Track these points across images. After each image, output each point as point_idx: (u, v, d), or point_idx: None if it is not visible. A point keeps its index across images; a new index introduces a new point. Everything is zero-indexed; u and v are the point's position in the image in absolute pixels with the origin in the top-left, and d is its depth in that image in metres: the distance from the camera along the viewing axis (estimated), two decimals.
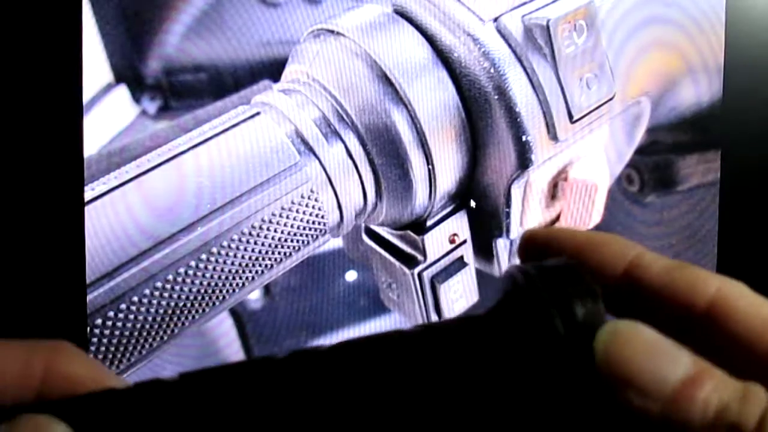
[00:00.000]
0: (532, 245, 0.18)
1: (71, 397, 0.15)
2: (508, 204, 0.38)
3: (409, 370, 0.15)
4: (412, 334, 0.16)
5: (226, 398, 0.15)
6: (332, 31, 0.36)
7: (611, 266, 0.17)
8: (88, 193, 0.31)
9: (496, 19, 0.35)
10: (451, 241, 0.40)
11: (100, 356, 0.30)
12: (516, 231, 0.39)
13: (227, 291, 0.33)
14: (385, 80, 0.35)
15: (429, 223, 0.38)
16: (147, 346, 0.31)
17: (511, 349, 0.15)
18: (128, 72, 0.49)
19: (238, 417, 0.15)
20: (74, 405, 0.15)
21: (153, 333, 0.31)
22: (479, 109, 0.36)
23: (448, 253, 0.40)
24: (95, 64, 0.47)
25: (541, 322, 0.15)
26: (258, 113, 0.34)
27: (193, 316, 0.32)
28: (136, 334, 0.31)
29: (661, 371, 0.14)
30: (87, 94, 0.47)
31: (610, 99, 0.38)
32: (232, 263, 0.32)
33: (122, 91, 0.50)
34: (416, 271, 0.39)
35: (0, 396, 0.15)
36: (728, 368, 0.15)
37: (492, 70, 0.35)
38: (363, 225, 0.42)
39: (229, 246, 0.32)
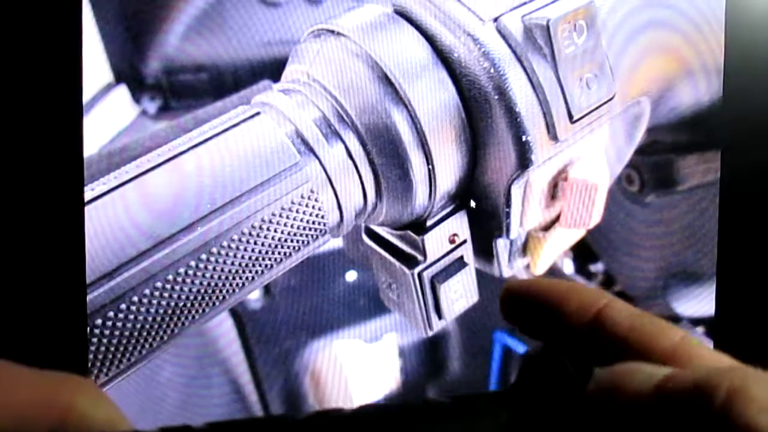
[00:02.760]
0: (513, 297, 0.20)
1: None
2: (508, 204, 0.38)
3: None
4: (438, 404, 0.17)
5: None
6: (332, 31, 0.36)
7: (583, 313, 0.18)
8: (88, 193, 0.31)
9: (496, 19, 0.35)
10: (451, 241, 0.40)
11: (100, 356, 0.30)
12: (516, 231, 0.39)
13: (227, 291, 0.33)
14: (386, 80, 0.35)
15: (429, 223, 0.38)
16: (147, 346, 0.31)
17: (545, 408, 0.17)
18: (128, 72, 0.49)
19: None
20: None
21: (153, 333, 0.31)
22: (479, 109, 0.36)
23: (448, 253, 0.40)
24: (95, 64, 0.47)
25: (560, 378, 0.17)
26: (258, 113, 0.34)
27: (193, 316, 0.32)
28: (136, 334, 0.31)
29: (640, 379, 0.16)
30: (87, 94, 0.47)
31: (610, 99, 0.38)
32: (232, 263, 0.32)
33: (122, 91, 0.50)
34: (416, 271, 0.39)
35: (17, 425, 0.15)
36: None
37: (492, 70, 0.35)
38: (363, 225, 0.42)
39: (229, 246, 0.32)
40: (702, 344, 0.17)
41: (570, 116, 0.36)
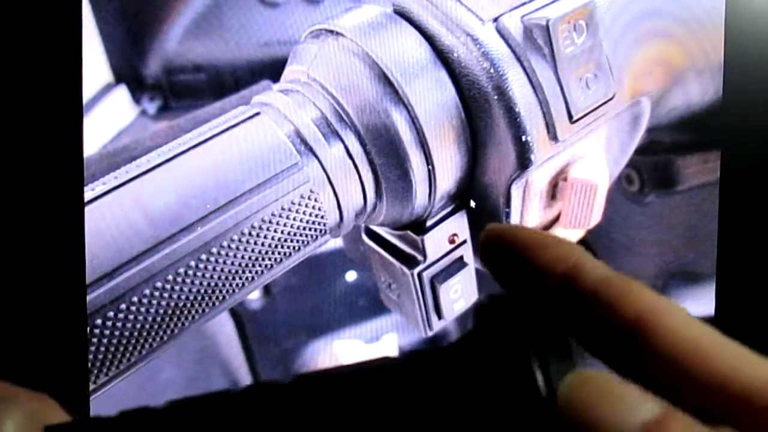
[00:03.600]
0: (491, 240, 0.19)
1: (58, 423, 0.15)
2: (507, 204, 0.38)
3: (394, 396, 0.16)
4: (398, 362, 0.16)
5: (211, 428, 0.15)
6: (332, 31, 0.36)
7: (555, 267, 0.17)
8: (88, 193, 0.31)
9: (495, 20, 0.35)
10: (451, 241, 0.40)
11: (100, 356, 0.30)
12: None
13: (227, 291, 0.33)
14: (385, 80, 0.35)
15: (429, 223, 0.38)
16: (147, 346, 0.31)
17: (486, 389, 0.15)
18: (128, 72, 0.49)
19: None
20: (61, 429, 0.15)
21: (153, 333, 0.31)
22: (479, 109, 0.36)
23: (448, 253, 0.40)
24: (95, 64, 0.47)
25: (521, 372, 0.15)
26: (258, 113, 0.34)
27: (193, 316, 0.32)
28: (136, 334, 0.31)
29: (621, 417, 0.14)
30: (87, 94, 0.47)
31: (610, 99, 0.38)
32: (232, 263, 0.32)
33: (122, 91, 0.50)
34: (416, 271, 0.39)
35: None
36: (651, 387, 0.15)
37: (492, 70, 0.35)
38: (363, 225, 0.42)
39: (229, 246, 0.32)
40: (669, 311, 0.16)
41: (570, 116, 0.36)
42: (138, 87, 0.50)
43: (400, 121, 0.35)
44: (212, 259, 0.32)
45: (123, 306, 0.30)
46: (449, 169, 0.37)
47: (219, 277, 0.32)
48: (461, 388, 0.16)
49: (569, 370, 0.15)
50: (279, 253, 0.34)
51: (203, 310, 0.32)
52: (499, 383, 0.15)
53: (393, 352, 0.57)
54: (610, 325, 0.16)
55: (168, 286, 0.31)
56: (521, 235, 0.18)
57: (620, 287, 0.16)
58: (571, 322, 0.16)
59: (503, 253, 0.18)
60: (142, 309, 0.30)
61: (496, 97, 0.35)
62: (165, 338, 0.32)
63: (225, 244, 0.32)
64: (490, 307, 0.17)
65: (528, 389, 0.15)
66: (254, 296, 0.54)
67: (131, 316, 0.30)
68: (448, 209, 0.39)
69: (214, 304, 0.33)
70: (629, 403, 0.14)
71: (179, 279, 0.31)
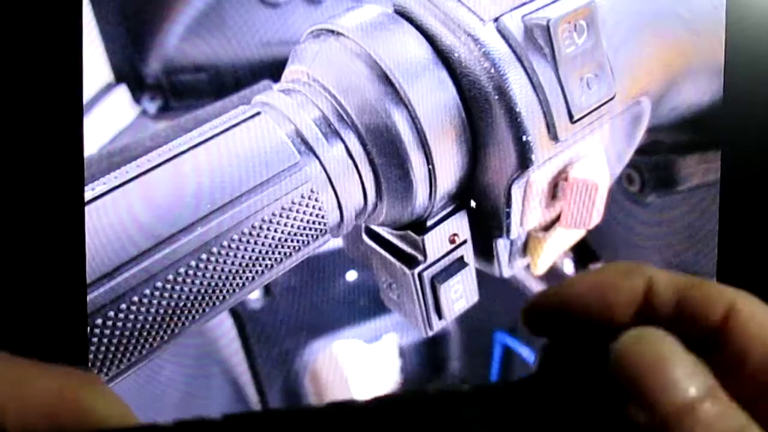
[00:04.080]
0: (542, 312, 0.18)
1: (109, 428, 0.15)
2: (508, 204, 0.38)
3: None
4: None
5: None
6: (332, 31, 0.36)
7: (627, 302, 0.17)
8: (88, 193, 0.31)
9: (496, 19, 0.35)
10: (451, 241, 0.40)
11: (100, 356, 0.30)
12: (516, 231, 0.39)
13: (227, 291, 0.33)
14: (386, 80, 0.35)
15: (429, 223, 0.38)
16: (147, 346, 0.31)
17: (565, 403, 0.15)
18: (128, 72, 0.49)
19: None
20: None
21: (153, 333, 0.31)
22: (479, 109, 0.36)
23: (448, 253, 0.40)
24: (95, 64, 0.47)
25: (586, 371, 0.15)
26: (258, 113, 0.34)
27: (193, 316, 0.32)
28: (136, 334, 0.31)
29: (674, 385, 0.14)
30: (87, 94, 0.47)
31: (611, 99, 0.38)
32: (232, 263, 0.32)
33: (122, 91, 0.50)
34: (416, 271, 0.39)
35: (25, 418, 0.15)
36: (734, 387, 0.15)
37: (492, 70, 0.35)
38: (363, 225, 0.42)
39: (229, 246, 0.32)
40: (752, 310, 0.16)
41: (570, 116, 0.36)
42: (138, 87, 0.50)
43: (400, 121, 0.35)
44: (212, 259, 0.32)
45: (123, 306, 0.30)
46: (450, 169, 0.37)
47: (219, 277, 0.32)
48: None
49: None
50: (279, 253, 0.34)
51: (203, 310, 0.32)
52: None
53: (394, 352, 0.57)
54: (696, 334, 0.16)
55: (168, 286, 0.31)
56: (575, 293, 0.17)
57: (701, 290, 0.16)
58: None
59: (560, 317, 0.17)
60: (142, 309, 0.30)
61: (496, 97, 0.35)
62: (165, 338, 0.32)
63: (225, 244, 0.32)
64: (554, 349, 0.16)
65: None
66: (254, 296, 0.54)
67: (131, 316, 0.30)
68: (449, 209, 0.39)
69: (214, 304, 0.33)
70: (685, 371, 0.14)
71: (179, 279, 0.31)
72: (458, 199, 0.39)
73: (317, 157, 0.34)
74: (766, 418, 0.14)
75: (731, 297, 0.16)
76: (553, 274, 0.56)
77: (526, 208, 0.39)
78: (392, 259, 0.40)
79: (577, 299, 0.17)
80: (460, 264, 0.40)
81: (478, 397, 0.16)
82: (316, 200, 0.34)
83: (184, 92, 0.50)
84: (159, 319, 0.31)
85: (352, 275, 0.53)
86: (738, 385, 0.15)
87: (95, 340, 0.30)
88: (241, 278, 0.33)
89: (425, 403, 0.15)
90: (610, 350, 0.15)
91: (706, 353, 0.15)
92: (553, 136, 0.36)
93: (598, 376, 0.15)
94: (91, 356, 0.30)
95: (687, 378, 0.14)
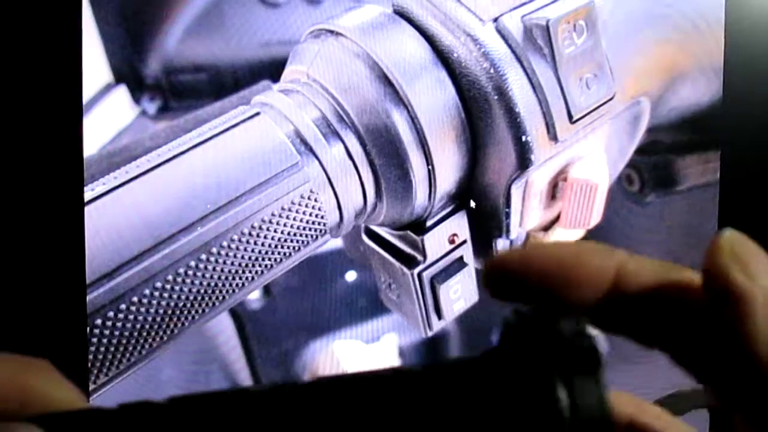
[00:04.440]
0: (503, 273, 0.17)
1: (55, 412, 0.15)
2: (507, 204, 0.38)
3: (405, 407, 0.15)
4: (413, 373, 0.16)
5: (214, 427, 0.15)
6: (332, 32, 0.36)
7: (595, 283, 0.16)
8: (88, 193, 0.31)
9: (495, 20, 0.35)
10: (451, 242, 0.40)
11: (100, 356, 0.30)
12: (516, 231, 0.39)
13: (227, 291, 0.33)
14: (385, 80, 0.35)
15: (429, 223, 0.38)
16: (147, 346, 0.31)
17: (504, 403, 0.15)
18: (128, 72, 0.49)
19: None
20: (58, 419, 0.15)
21: (153, 333, 0.31)
22: (479, 109, 0.36)
23: (447, 253, 0.40)
24: (95, 64, 0.47)
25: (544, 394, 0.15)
26: (258, 113, 0.34)
27: (193, 316, 0.32)
28: (136, 334, 0.31)
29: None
30: (87, 94, 0.47)
31: (610, 99, 0.38)
32: (232, 263, 0.32)
33: (122, 91, 0.50)
34: (416, 271, 0.39)
35: None
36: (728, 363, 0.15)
37: (492, 71, 0.35)
38: (363, 225, 0.42)
39: (229, 246, 0.32)
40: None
41: (570, 116, 0.36)
42: (138, 87, 0.50)
43: (400, 122, 0.35)
44: (212, 259, 0.32)
45: (123, 306, 0.30)
46: (449, 169, 0.37)
47: (219, 277, 0.32)
48: (480, 404, 0.15)
49: (595, 392, 0.15)
50: (279, 253, 0.34)
51: (203, 310, 0.32)
52: (521, 403, 0.15)
53: (393, 352, 0.57)
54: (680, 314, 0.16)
55: (168, 286, 0.31)
56: (544, 260, 0.17)
57: (679, 273, 0.16)
58: (629, 321, 0.16)
59: (524, 282, 0.17)
60: (142, 309, 0.30)
61: (496, 98, 0.35)
62: (165, 338, 0.32)
63: (225, 244, 0.32)
64: (516, 323, 0.16)
65: (551, 410, 0.15)
66: (254, 296, 0.54)
67: (131, 316, 0.30)
68: (448, 209, 0.39)
69: (214, 304, 0.33)
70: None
71: (179, 279, 0.31)
72: (458, 199, 0.39)
73: (317, 158, 0.34)
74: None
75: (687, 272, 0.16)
76: None
77: (526, 208, 0.39)
78: (392, 260, 0.40)
79: (541, 271, 0.16)
80: (459, 264, 0.40)
81: (431, 375, 0.15)
82: (315, 200, 0.34)
83: (183, 92, 0.50)
84: (159, 319, 0.31)
85: (351, 275, 0.53)
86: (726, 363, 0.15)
87: (95, 340, 0.30)
88: (241, 278, 0.33)
89: (377, 383, 0.15)
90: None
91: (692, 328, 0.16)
92: (553, 136, 0.36)
93: (544, 365, 0.15)
94: (91, 356, 0.30)
95: None
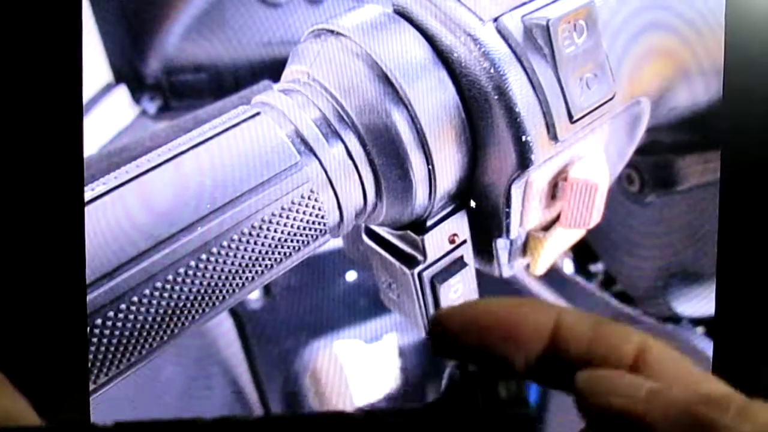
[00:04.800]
0: (444, 332, 0.18)
1: (8, 426, 0.15)
2: (508, 204, 0.38)
3: None
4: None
5: None
6: (333, 31, 0.36)
7: (533, 339, 0.17)
8: (88, 193, 0.31)
9: (496, 19, 0.35)
10: (451, 241, 0.40)
11: (100, 356, 0.30)
12: (516, 231, 0.39)
13: (227, 291, 0.33)
14: (386, 80, 0.35)
15: (429, 223, 0.38)
16: (147, 346, 0.31)
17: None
18: (128, 72, 0.49)
19: None
20: None
21: (153, 333, 0.31)
22: (479, 109, 0.36)
23: (448, 253, 0.40)
24: (95, 64, 0.47)
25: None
26: (258, 113, 0.34)
27: (193, 316, 0.32)
28: (136, 334, 0.31)
29: (632, 391, 0.16)
30: (87, 94, 0.47)
31: (611, 99, 0.38)
32: (232, 263, 0.32)
33: (122, 91, 0.50)
34: (416, 271, 0.39)
35: None
36: None
37: (492, 70, 0.35)
38: (363, 225, 0.42)
39: (229, 246, 0.32)
40: (661, 347, 0.17)
41: (570, 116, 0.36)
42: (138, 87, 0.50)
43: (400, 121, 0.35)
44: (212, 259, 0.32)
45: (123, 306, 0.30)
46: (449, 169, 0.37)
47: (219, 277, 0.32)
48: None
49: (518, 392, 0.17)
50: (279, 253, 0.34)
51: (203, 310, 0.32)
52: None
53: (393, 352, 0.57)
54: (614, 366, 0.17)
55: (168, 286, 0.31)
56: (484, 321, 0.17)
57: (612, 333, 0.17)
58: (567, 375, 0.17)
59: (467, 339, 0.17)
60: (142, 309, 0.30)
61: (496, 97, 0.35)
62: (165, 338, 0.32)
63: (225, 244, 0.32)
64: (460, 380, 0.17)
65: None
66: (254, 296, 0.54)
67: (131, 316, 0.30)
68: (449, 209, 0.39)
69: (214, 304, 0.33)
70: (634, 383, 0.16)
71: (179, 279, 0.31)
72: (458, 199, 0.39)
73: (317, 158, 0.34)
74: None
75: (641, 336, 0.17)
76: (553, 274, 0.56)
77: (526, 208, 0.39)
78: (392, 259, 0.40)
79: (481, 330, 0.17)
80: (459, 264, 0.40)
81: (374, 421, 0.16)
82: (315, 200, 0.34)
83: (184, 92, 0.50)
84: (159, 319, 0.31)
85: (352, 275, 0.53)
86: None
87: (95, 340, 0.30)
88: (241, 278, 0.33)
89: (318, 426, 0.16)
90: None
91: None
92: (553, 136, 0.36)
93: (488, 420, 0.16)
94: (90, 356, 0.30)
95: (640, 386, 0.16)
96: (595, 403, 0.16)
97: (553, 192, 0.40)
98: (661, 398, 0.16)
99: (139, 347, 0.31)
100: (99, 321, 0.29)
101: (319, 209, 0.34)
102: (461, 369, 0.17)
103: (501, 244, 0.41)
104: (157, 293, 0.30)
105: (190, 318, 0.32)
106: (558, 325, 0.17)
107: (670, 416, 0.15)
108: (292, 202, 0.33)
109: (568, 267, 0.58)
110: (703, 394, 0.16)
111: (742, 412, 0.15)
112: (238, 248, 0.32)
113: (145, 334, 0.31)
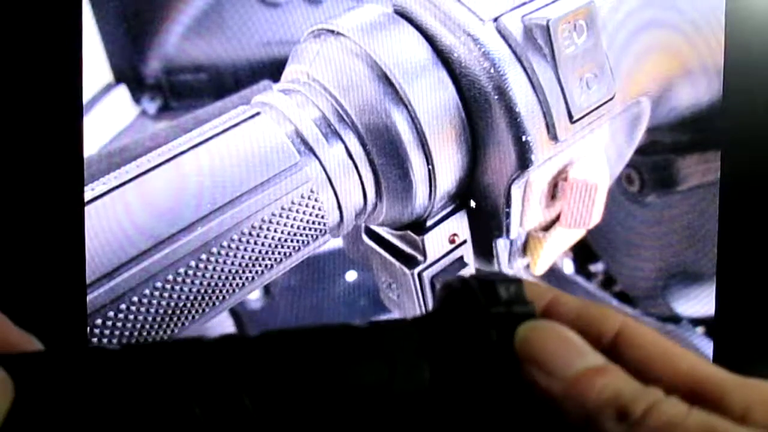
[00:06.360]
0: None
1: (10, 353, 0.15)
2: (508, 204, 0.38)
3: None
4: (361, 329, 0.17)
5: (157, 372, 0.16)
6: (332, 31, 0.36)
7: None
8: (88, 193, 0.31)
9: (496, 19, 0.35)
10: (451, 241, 0.40)
11: None
12: (516, 231, 0.39)
13: (227, 291, 0.33)
14: (385, 80, 0.35)
15: (429, 223, 0.38)
16: None
17: (455, 339, 0.17)
18: (128, 72, 0.49)
19: (162, 388, 0.15)
20: (13, 359, 0.15)
21: (153, 333, 0.31)
22: (479, 109, 0.36)
23: (448, 253, 0.40)
24: (95, 64, 0.47)
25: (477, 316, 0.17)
26: (258, 113, 0.34)
27: (193, 316, 0.32)
28: (136, 334, 0.31)
29: (568, 358, 0.16)
30: (87, 94, 0.47)
31: (610, 99, 0.38)
32: (232, 263, 0.32)
33: (122, 91, 0.50)
34: (416, 271, 0.39)
35: None
36: None
37: (492, 70, 0.35)
38: (363, 225, 0.42)
39: (229, 246, 0.32)
40: (639, 326, 0.18)
41: (570, 116, 0.36)
42: (138, 87, 0.50)
43: (400, 121, 0.35)
44: (212, 259, 0.32)
45: (123, 306, 0.30)
46: (449, 169, 0.37)
47: (219, 277, 0.32)
48: (438, 349, 0.17)
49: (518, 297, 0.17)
50: (279, 253, 0.34)
51: (203, 310, 0.32)
52: (466, 347, 0.17)
53: None
54: (594, 342, 0.17)
55: (168, 286, 0.31)
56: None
57: (598, 311, 0.18)
58: None
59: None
60: (142, 309, 0.30)
61: (496, 97, 0.35)
62: (165, 338, 0.32)
63: (225, 244, 0.32)
64: (460, 287, 0.18)
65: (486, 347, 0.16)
66: (254, 296, 0.54)
67: (131, 316, 0.30)
68: (449, 209, 0.39)
69: (214, 304, 0.33)
70: (578, 350, 0.17)
71: (179, 279, 0.31)
72: (458, 199, 0.39)
73: (317, 158, 0.34)
74: None
75: (623, 316, 0.18)
76: (553, 274, 0.56)
77: (526, 208, 0.39)
78: (392, 259, 0.40)
79: None
80: (460, 264, 0.40)
81: (374, 331, 0.17)
82: (315, 200, 0.34)
83: (184, 92, 0.50)
84: (159, 319, 0.31)
85: (352, 275, 0.53)
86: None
87: (95, 340, 0.30)
88: (241, 278, 0.33)
89: (318, 336, 0.17)
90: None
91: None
92: (553, 136, 0.36)
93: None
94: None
95: (580, 354, 0.17)
96: (523, 369, 0.16)
97: (553, 192, 0.40)
98: (584, 385, 0.16)
99: None
100: (99, 321, 0.29)
101: (319, 209, 0.34)
102: (459, 278, 0.18)
103: (501, 244, 0.41)
104: (157, 293, 0.30)
105: (189, 318, 0.32)
106: (552, 302, 0.18)
107: (584, 412, 0.15)
108: (292, 202, 0.33)
109: (568, 267, 0.58)
110: (622, 402, 0.16)
111: (649, 410, 0.15)
112: (238, 248, 0.32)
113: (145, 334, 0.31)
